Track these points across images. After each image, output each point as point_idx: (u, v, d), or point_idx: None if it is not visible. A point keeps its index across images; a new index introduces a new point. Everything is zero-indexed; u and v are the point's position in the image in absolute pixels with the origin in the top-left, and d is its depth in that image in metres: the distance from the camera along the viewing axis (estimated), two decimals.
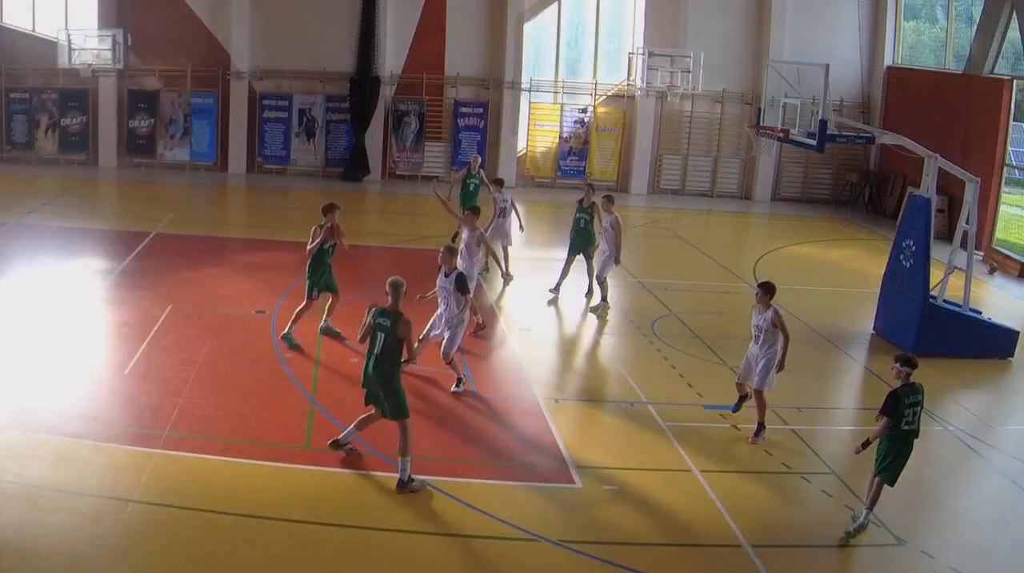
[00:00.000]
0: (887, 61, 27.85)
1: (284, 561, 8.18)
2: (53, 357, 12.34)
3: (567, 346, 14.67)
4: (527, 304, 16.61)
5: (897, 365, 9.13)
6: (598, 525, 9.15)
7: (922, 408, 9.17)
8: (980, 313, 15.47)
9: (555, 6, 28.36)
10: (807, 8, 27.70)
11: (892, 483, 9.16)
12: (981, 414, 12.66)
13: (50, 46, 26.10)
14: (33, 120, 27.17)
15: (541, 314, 15.96)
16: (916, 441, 9.18)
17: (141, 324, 13.75)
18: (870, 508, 9.23)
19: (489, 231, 17.16)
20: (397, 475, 9.44)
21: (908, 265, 15.08)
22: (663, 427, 11.42)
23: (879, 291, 15.83)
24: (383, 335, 9.33)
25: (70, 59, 25.79)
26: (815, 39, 26.97)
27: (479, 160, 20.09)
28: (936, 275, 15.00)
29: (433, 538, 8.69)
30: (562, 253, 17.22)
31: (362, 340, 9.65)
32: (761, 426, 11.26)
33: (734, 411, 11.64)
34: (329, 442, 9.96)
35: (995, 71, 23.26)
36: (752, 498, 9.90)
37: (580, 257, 16.43)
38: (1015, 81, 22.69)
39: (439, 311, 12.24)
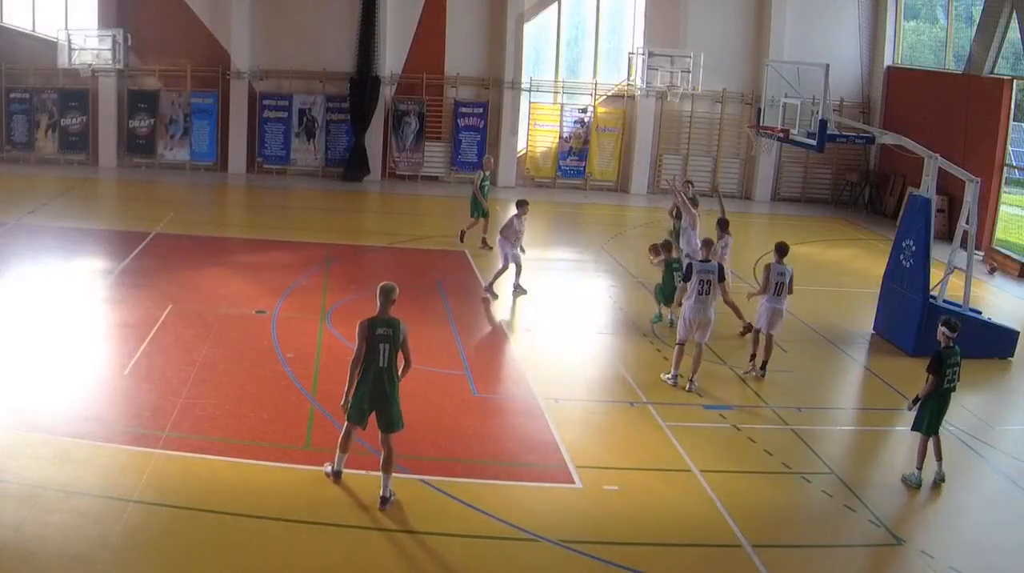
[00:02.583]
0: (887, 61, 27.86)
1: (284, 561, 8.18)
2: (53, 357, 12.34)
3: (567, 346, 14.66)
4: (527, 304, 16.61)
5: (942, 328, 10.30)
6: (598, 525, 9.14)
7: (959, 368, 10.32)
8: (980, 313, 15.47)
9: (555, 6, 28.36)
10: (807, 8, 27.71)
11: (934, 433, 10.39)
12: (981, 414, 12.65)
13: (50, 46, 26.10)
14: (33, 120, 27.18)
15: (541, 314, 15.95)
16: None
17: (141, 324, 13.76)
18: (940, 458, 10.47)
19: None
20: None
21: (908, 265, 15.08)
22: (663, 427, 11.42)
23: (879, 291, 15.84)
24: (387, 346, 8.98)
25: (70, 59, 25.79)
26: (815, 39, 26.98)
27: (491, 161, 21.38)
28: (936, 275, 15.00)
29: (433, 538, 8.68)
30: (562, 253, 17.28)
31: (356, 364, 9.02)
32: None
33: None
34: (332, 476, 9.51)
35: (995, 71, 23.26)
36: (752, 498, 9.90)
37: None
38: (1015, 81, 22.69)
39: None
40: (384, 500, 9.12)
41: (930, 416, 10.31)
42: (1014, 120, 23.18)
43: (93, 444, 9.84)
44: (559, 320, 15.67)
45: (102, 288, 15.85)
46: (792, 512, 9.79)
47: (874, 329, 15.83)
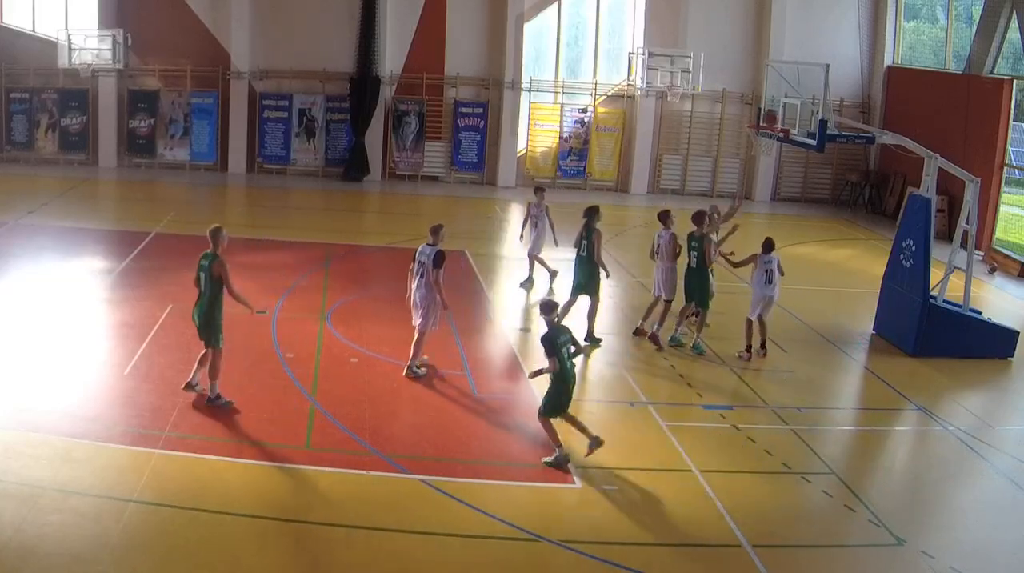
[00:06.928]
0: (887, 61, 27.86)
1: (284, 561, 8.18)
2: (53, 357, 12.34)
3: None
4: (526, 305, 16.61)
5: (542, 315, 10.43)
6: (598, 525, 9.15)
7: (574, 345, 10.28)
8: (980, 313, 15.47)
9: (555, 6, 28.37)
10: (807, 8, 27.72)
11: (554, 415, 10.24)
12: (981, 414, 12.66)
13: (50, 46, 26.09)
14: (33, 120, 27.18)
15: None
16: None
17: (141, 324, 13.76)
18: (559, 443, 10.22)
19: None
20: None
21: (908, 265, 15.08)
22: (663, 427, 11.42)
23: (879, 291, 15.84)
24: (203, 275, 10.93)
25: (70, 59, 25.78)
26: (815, 39, 26.99)
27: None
28: (936, 275, 15.00)
29: (433, 538, 8.68)
30: (561, 254, 17.25)
31: (196, 283, 11.08)
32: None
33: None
34: (185, 386, 11.20)
35: (995, 71, 23.26)
36: (752, 498, 9.90)
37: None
38: (1015, 81, 22.70)
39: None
40: (210, 399, 10.94)
41: (555, 398, 10.17)
42: (1014, 120, 23.18)
43: (93, 444, 9.84)
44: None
45: (102, 288, 15.85)
46: (792, 512, 9.79)
47: (874, 329, 15.82)
